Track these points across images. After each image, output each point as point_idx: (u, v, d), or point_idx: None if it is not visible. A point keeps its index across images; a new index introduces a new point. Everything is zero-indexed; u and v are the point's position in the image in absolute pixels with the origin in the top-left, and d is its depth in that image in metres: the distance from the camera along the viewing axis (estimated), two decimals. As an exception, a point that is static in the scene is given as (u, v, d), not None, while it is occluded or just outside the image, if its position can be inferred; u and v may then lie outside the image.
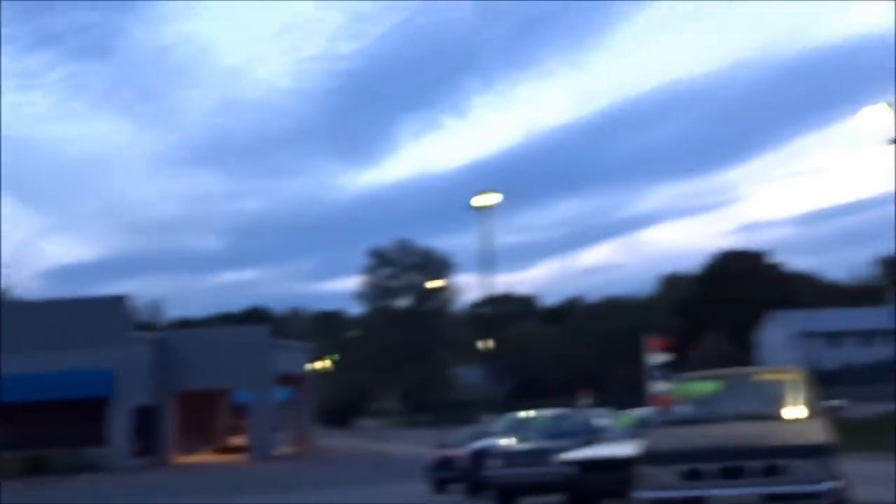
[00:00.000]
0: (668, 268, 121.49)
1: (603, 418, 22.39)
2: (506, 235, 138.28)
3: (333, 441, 66.15)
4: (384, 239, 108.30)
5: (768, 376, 13.86)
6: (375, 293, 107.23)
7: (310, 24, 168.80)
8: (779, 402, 12.24)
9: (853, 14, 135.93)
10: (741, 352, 79.37)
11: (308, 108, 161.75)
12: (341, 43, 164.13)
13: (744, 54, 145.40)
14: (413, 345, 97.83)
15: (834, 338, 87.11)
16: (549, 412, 25.01)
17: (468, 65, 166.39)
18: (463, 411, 66.37)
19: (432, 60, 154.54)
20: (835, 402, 12.81)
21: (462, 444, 25.72)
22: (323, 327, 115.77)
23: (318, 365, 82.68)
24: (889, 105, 13.78)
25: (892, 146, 14.13)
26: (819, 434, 10.95)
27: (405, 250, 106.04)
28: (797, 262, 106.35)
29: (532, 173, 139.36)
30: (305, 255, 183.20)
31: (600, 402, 39.22)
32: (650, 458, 11.09)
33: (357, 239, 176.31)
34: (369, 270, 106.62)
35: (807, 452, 10.49)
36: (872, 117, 14.14)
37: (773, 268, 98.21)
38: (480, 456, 21.94)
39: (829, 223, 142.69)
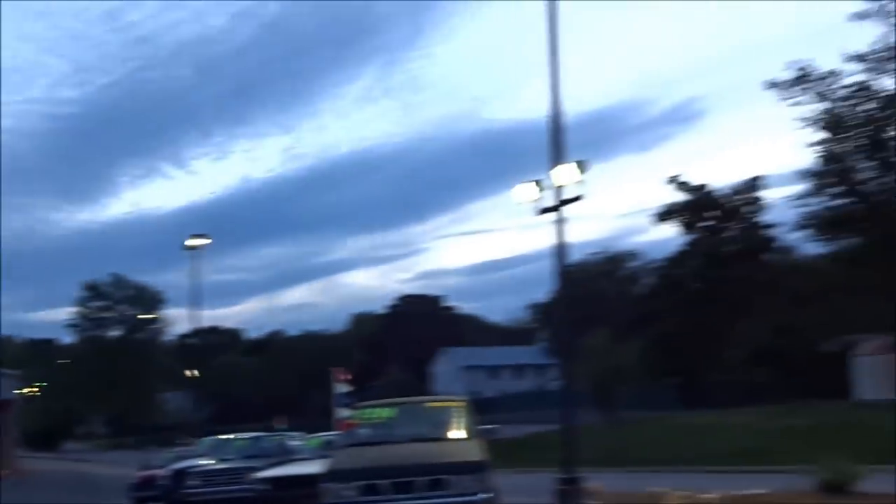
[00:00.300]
0: (358, 308, 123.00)
1: (295, 440, 22.26)
2: (216, 274, 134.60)
3: (39, 463, 60.98)
4: (102, 274, 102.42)
5: (436, 404, 14.32)
6: (88, 323, 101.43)
7: (33, 69, 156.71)
8: (445, 426, 12.62)
9: (519, 101, 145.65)
10: (418, 382, 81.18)
11: (28, 147, 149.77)
12: (64, 89, 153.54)
13: (428, 129, 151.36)
14: (122, 372, 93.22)
15: (493, 371, 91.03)
16: (246, 435, 24.54)
17: (188, 119, 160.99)
18: (168, 434, 63.46)
19: (153, 113, 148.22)
20: (490, 426, 13.41)
21: (165, 464, 24.67)
22: (34, 355, 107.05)
23: (27, 390, 76.37)
24: (538, 183, 14.85)
25: (542, 216, 15.20)
26: (476, 453, 11.42)
27: (119, 284, 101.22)
28: (466, 306, 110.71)
29: (243, 220, 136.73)
30: (21, 287, 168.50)
31: (294, 426, 38.84)
32: (333, 475, 11.15)
33: (75, 273, 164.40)
34: (83, 302, 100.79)
35: (466, 469, 10.92)
36: (526, 191, 15.18)
37: (446, 310, 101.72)
38: (181, 475, 21.11)
39: (492, 274, 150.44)
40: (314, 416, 53.75)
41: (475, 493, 10.73)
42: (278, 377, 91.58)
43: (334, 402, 27.24)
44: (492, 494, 10.98)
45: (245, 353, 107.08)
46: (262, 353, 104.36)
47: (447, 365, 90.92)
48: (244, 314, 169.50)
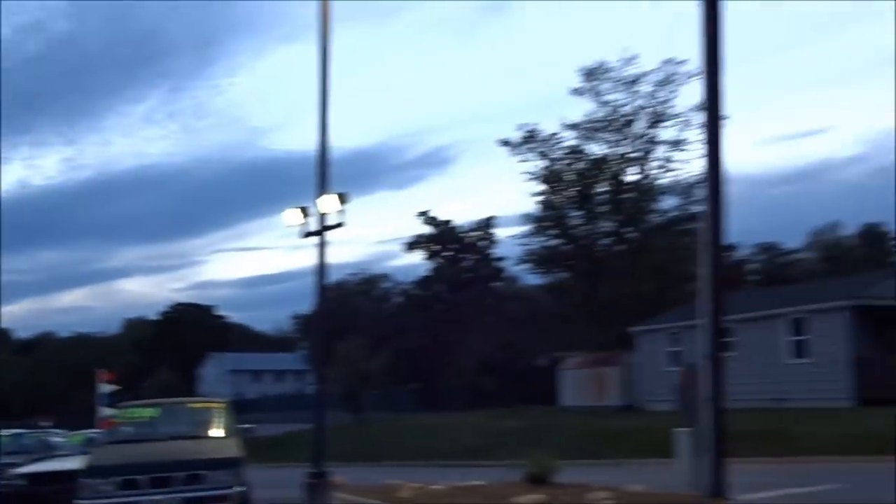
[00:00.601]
0: (132, 313, 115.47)
1: (57, 437, 20.52)
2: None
3: None
4: None
5: (198, 404, 13.74)
6: None
7: None
8: (204, 425, 12.12)
9: (293, 135, 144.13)
10: (187, 384, 77.66)
11: None
12: None
13: (209, 152, 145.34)
14: None
15: (257, 374, 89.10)
16: (6, 432, 22.25)
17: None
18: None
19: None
20: (247, 425, 12.98)
21: (-84, 462, 21.76)
22: None
23: None
24: (304, 209, 14.73)
25: (307, 238, 15.08)
26: (233, 450, 11.04)
27: None
28: (236, 316, 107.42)
29: (18, 223, 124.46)
30: None
31: (60, 424, 35.87)
32: (92, 471, 10.40)
33: None
34: None
35: (221, 464, 10.52)
36: (294, 215, 14.99)
37: (217, 319, 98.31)
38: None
39: (262, 287, 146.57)
40: (81, 415, 49.89)
41: (230, 487, 10.36)
42: (47, 377, 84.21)
43: (98, 401, 25.36)
44: (245, 488, 10.64)
45: (14, 352, 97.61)
46: (31, 353, 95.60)
47: (215, 368, 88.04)
48: (15, 314, 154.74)
